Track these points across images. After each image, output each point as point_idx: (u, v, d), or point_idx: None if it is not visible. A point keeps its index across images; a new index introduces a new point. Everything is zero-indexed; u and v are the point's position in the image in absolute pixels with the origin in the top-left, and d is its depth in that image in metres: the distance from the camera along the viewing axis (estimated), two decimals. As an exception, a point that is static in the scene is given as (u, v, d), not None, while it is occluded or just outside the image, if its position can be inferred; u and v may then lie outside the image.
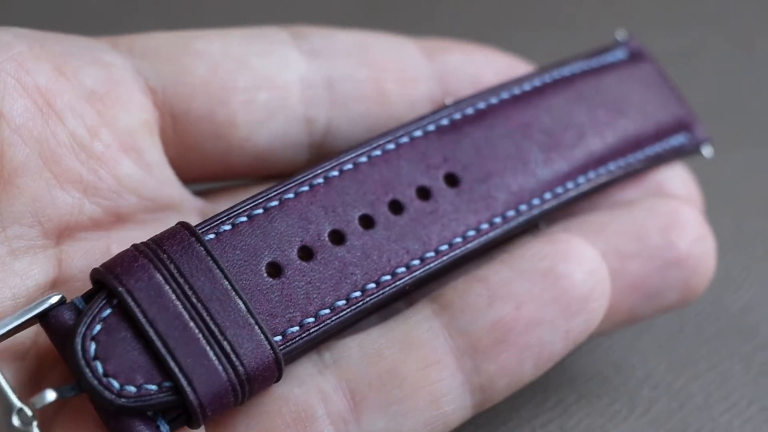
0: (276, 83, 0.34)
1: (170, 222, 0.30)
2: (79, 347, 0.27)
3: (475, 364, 0.30)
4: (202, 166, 0.33)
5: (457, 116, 0.33)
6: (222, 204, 0.33)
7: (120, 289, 0.28)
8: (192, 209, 0.33)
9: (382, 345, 0.30)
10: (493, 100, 0.34)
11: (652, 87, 0.37)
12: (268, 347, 0.28)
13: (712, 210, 0.38)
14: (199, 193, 0.34)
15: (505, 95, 0.34)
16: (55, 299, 0.28)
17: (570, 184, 0.34)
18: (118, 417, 0.27)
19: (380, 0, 0.51)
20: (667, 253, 0.33)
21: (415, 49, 0.35)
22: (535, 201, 0.33)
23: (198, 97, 0.33)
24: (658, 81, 0.37)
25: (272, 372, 0.28)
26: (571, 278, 0.31)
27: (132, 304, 0.28)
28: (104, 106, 0.31)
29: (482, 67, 0.36)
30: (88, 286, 0.29)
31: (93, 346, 0.27)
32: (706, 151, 0.37)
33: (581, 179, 0.34)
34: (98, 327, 0.27)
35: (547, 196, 0.33)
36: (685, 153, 0.36)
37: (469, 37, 0.39)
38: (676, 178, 0.36)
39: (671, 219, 0.34)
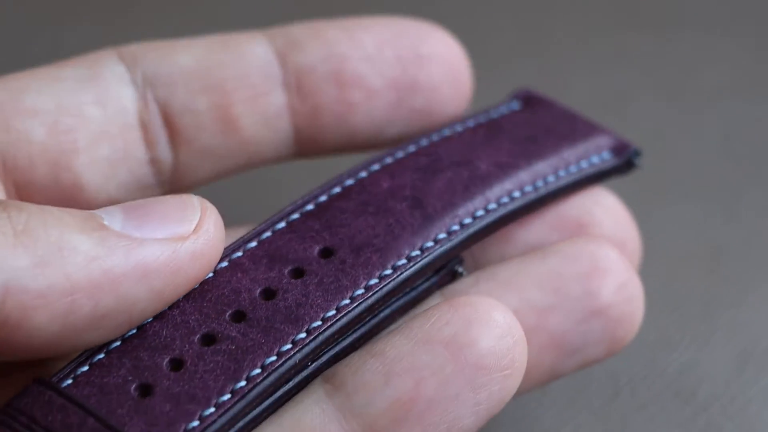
0: (114, 133, 0.32)
1: None
2: None
3: None
4: None
5: (323, 198, 0.32)
6: None
7: None
8: None
9: None
10: (363, 174, 0.32)
11: (559, 120, 0.35)
12: None
13: (644, 268, 0.36)
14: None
15: (376, 167, 0.33)
16: None
17: (467, 220, 0.31)
18: None
19: None
20: (588, 304, 0.31)
21: (266, 50, 0.33)
22: (428, 243, 0.31)
23: (39, 165, 0.31)
24: (565, 115, 0.35)
25: None
26: (476, 346, 0.28)
27: None
28: None
29: (346, 58, 0.33)
30: None
31: None
32: (638, 161, 0.34)
33: (480, 212, 0.32)
34: None
35: (442, 235, 0.31)
36: (614, 170, 0.34)
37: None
38: (606, 215, 0.34)
39: (590, 265, 0.31)
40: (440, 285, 0.32)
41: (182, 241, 0.28)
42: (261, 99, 0.33)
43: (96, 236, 0.27)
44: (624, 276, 0.32)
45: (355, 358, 0.29)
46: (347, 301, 0.29)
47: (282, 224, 0.31)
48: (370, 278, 0.30)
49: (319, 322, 0.29)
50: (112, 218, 0.28)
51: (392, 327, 0.30)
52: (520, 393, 0.31)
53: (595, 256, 0.31)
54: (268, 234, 0.31)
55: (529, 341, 0.30)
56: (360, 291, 0.29)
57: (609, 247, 0.32)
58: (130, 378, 0.27)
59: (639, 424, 0.35)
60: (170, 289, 0.28)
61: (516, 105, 0.36)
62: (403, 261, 0.30)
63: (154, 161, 0.33)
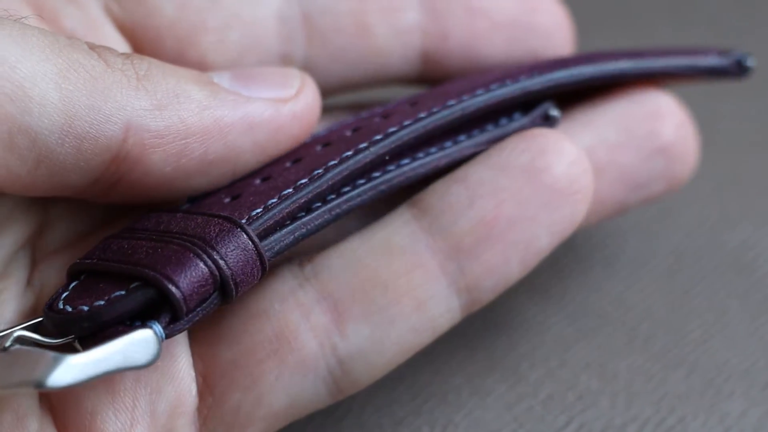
0: (248, 21, 0.33)
1: None
2: (47, 308, 0.28)
3: (459, 266, 0.30)
4: None
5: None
6: None
7: (78, 260, 0.28)
8: None
9: (362, 253, 0.31)
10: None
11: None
12: (230, 224, 0.28)
13: (709, 151, 0.38)
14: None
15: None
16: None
17: (557, 72, 0.33)
18: (101, 334, 0.27)
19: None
20: (653, 142, 0.34)
21: None
22: (508, 81, 0.33)
23: (167, 38, 0.33)
24: None
25: (246, 248, 0.28)
26: (550, 171, 0.31)
27: (87, 260, 0.28)
28: None
29: None
30: None
31: (61, 304, 0.28)
32: (750, 61, 0.36)
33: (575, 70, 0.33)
34: (66, 294, 0.28)
35: (523, 77, 0.33)
36: (723, 71, 0.36)
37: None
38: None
39: (653, 107, 0.34)
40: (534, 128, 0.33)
41: (284, 103, 0.30)
42: (396, 13, 0.35)
43: (208, 89, 0.29)
44: (681, 117, 0.34)
45: (438, 184, 0.31)
46: (424, 114, 0.31)
47: (380, 109, 0.33)
48: (447, 101, 0.32)
49: (396, 128, 0.31)
50: (221, 79, 0.30)
51: None
52: (591, 223, 0.34)
53: (656, 100, 0.34)
54: (364, 114, 0.33)
55: (603, 176, 0.33)
56: (436, 108, 0.31)
57: (666, 93, 0.35)
58: (223, 195, 0.30)
59: (700, 295, 0.37)
60: (272, 144, 0.30)
61: None
62: (481, 91, 0.32)
63: (285, 56, 0.34)
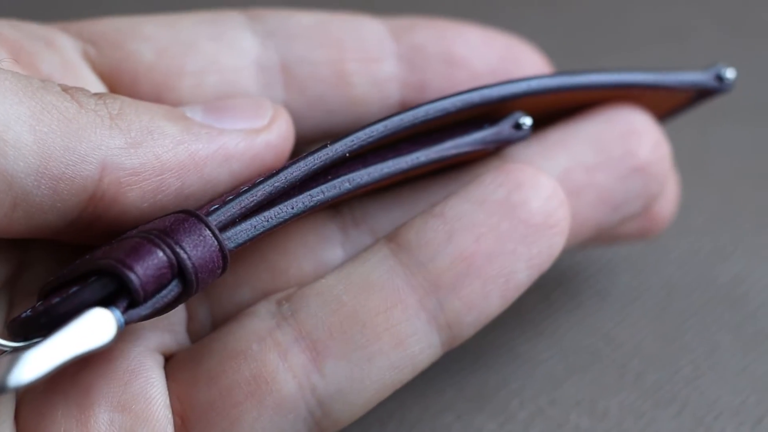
0: (227, 66, 0.34)
1: None
2: (9, 322, 0.28)
3: (438, 302, 0.30)
4: None
5: None
6: None
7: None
8: None
9: (340, 291, 0.30)
10: None
11: None
12: (185, 214, 0.28)
13: (701, 183, 0.38)
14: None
15: None
16: None
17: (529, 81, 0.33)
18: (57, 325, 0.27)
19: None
20: (630, 162, 0.34)
21: (381, 28, 0.35)
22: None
23: (144, 83, 0.33)
24: None
25: (202, 234, 0.28)
26: (527, 206, 0.31)
27: (55, 279, 0.28)
28: None
29: (454, 43, 0.35)
30: None
31: (23, 314, 0.28)
32: (729, 73, 0.35)
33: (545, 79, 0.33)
34: (29, 309, 0.28)
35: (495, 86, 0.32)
36: (703, 85, 0.35)
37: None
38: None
39: (628, 127, 0.34)
40: (504, 138, 0.33)
41: (257, 133, 0.31)
42: (374, 64, 0.35)
43: (181, 124, 0.30)
44: (656, 136, 0.34)
45: (416, 219, 0.31)
46: (383, 117, 0.31)
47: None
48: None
49: (356, 130, 0.31)
50: (194, 113, 0.31)
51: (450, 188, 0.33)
52: (571, 246, 0.34)
53: (630, 120, 0.34)
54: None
55: (581, 198, 0.33)
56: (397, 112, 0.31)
57: (640, 111, 0.35)
58: None
59: (691, 329, 0.37)
60: (248, 173, 0.31)
61: None
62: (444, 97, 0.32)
63: None
